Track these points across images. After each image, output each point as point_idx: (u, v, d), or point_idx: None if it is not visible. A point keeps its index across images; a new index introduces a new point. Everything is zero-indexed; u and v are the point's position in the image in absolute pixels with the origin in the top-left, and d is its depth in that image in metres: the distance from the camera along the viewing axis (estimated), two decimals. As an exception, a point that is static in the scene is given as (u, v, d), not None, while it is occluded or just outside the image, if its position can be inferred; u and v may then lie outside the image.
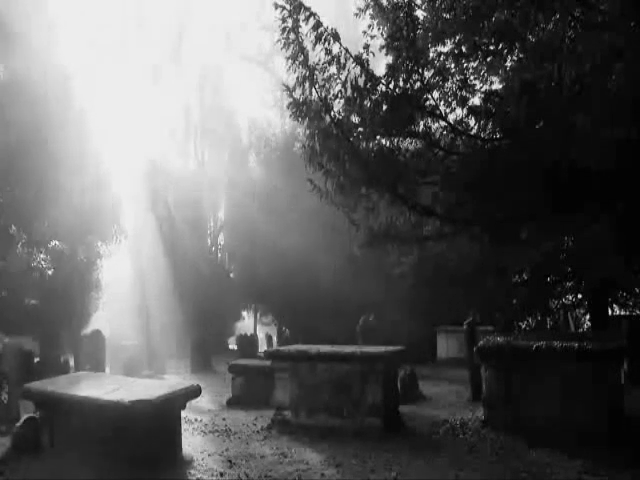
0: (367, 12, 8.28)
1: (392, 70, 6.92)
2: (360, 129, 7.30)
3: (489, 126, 7.35)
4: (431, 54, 7.50)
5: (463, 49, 7.38)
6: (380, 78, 6.96)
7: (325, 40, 6.79)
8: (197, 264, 20.08)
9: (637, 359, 8.81)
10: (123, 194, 18.50)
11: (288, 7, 6.77)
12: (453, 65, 7.57)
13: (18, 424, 5.73)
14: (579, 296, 13.48)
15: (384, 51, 7.06)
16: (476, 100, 7.68)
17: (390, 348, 7.02)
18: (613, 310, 13.78)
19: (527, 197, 6.84)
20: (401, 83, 6.95)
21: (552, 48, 5.99)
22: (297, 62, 6.94)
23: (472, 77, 7.83)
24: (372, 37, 8.02)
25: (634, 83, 5.47)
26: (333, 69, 6.95)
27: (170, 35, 26.68)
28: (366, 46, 6.93)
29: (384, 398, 6.54)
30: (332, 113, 7.17)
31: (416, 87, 7.01)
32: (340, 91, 7.04)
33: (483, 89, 7.90)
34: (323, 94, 7.09)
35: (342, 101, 7.12)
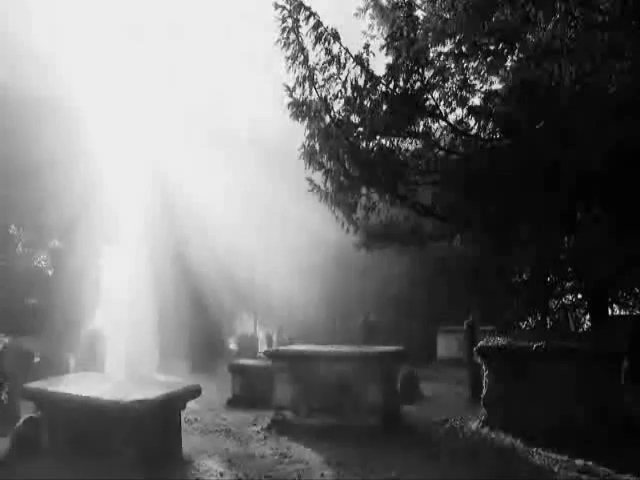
0: (367, 12, 8.31)
1: (392, 70, 6.92)
2: (360, 129, 7.30)
3: (489, 126, 7.36)
4: (431, 54, 7.51)
5: (463, 49, 7.39)
6: (380, 78, 6.96)
7: (325, 40, 6.79)
8: (197, 264, 20.07)
9: (638, 359, 8.80)
10: (124, 194, 18.48)
11: (288, 7, 6.77)
12: (453, 65, 7.58)
13: (18, 424, 5.73)
14: (579, 296, 13.50)
15: (384, 51, 7.06)
16: (476, 100, 7.70)
17: (390, 348, 7.02)
18: (613, 310, 13.79)
19: (527, 197, 6.84)
20: (401, 83, 6.95)
21: (552, 48, 5.99)
22: (297, 62, 6.95)
23: (472, 77, 7.85)
24: (372, 37, 8.03)
25: (635, 83, 5.47)
26: (333, 69, 6.95)
27: (169, 34, 26.67)
28: (366, 46, 6.93)
29: (384, 398, 6.54)
30: (332, 113, 7.18)
31: (416, 87, 7.01)
32: (340, 91, 7.04)
33: (483, 89, 7.91)
34: (323, 94, 7.10)
35: (342, 101, 7.13)
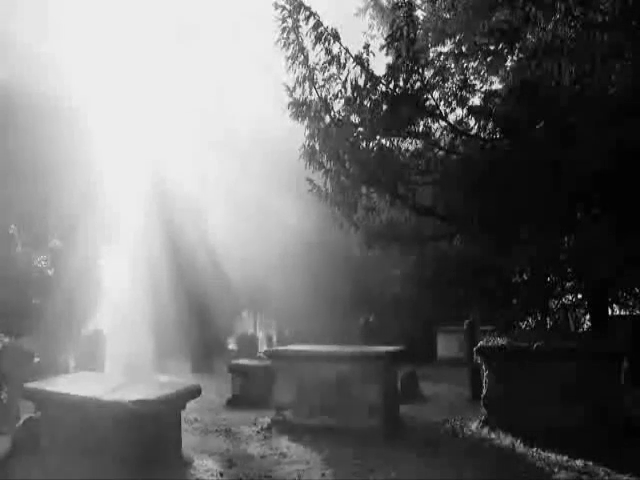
0: (367, 12, 8.31)
1: (392, 70, 6.92)
2: (360, 129, 7.30)
3: (489, 126, 7.35)
4: (431, 54, 7.52)
5: (463, 49, 7.40)
6: (380, 78, 6.96)
7: (325, 40, 6.79)
8: (197, 264, 20.08)
9: (638, 359, 8.80)
10: (123, 194, 18.49)
11: (288, 7, 6.77)
12: (453, 65, 7.58)
13: (18, 424, 5.73)
14: (579, 296, 13.47)
15: (384, 51, 7.06)
16: (476, 100, 7.69)
17: (390, 348, 7.02)
18: (613, 310, 13.77)
19: (527, 197, 6.84)
20: (401, 83, 6.95)
21: (552, 48, 5.99)
22: (297, 62, 6.95)
23: (472, 77, 7.85)
24: (372, 37, 8.03)
25: (635, 83, 5.47)
26: (333, 69, 6.95)
27: (168, 34, 26.65)
28: (366, 46, 6.93)
29: (384, 398, 6.54)
30: (332, 113, 7.18)
31: (416, 87, 7.01)
32: (340, 91, 7.04)
33: (483, 89, 7.91)
34: (323, 94, 7.10)
35: (342, 101, 7.13)
